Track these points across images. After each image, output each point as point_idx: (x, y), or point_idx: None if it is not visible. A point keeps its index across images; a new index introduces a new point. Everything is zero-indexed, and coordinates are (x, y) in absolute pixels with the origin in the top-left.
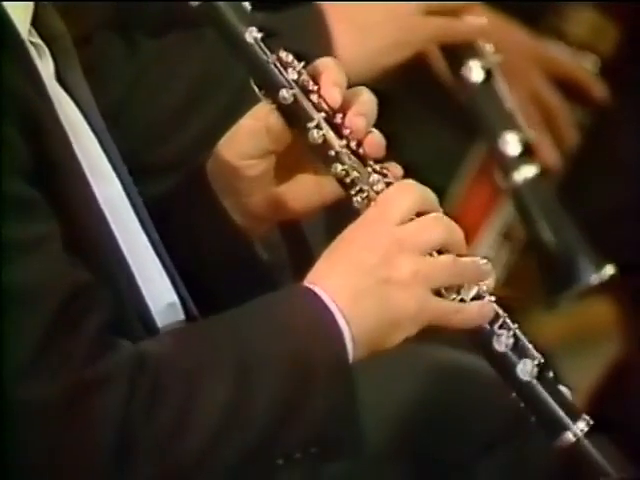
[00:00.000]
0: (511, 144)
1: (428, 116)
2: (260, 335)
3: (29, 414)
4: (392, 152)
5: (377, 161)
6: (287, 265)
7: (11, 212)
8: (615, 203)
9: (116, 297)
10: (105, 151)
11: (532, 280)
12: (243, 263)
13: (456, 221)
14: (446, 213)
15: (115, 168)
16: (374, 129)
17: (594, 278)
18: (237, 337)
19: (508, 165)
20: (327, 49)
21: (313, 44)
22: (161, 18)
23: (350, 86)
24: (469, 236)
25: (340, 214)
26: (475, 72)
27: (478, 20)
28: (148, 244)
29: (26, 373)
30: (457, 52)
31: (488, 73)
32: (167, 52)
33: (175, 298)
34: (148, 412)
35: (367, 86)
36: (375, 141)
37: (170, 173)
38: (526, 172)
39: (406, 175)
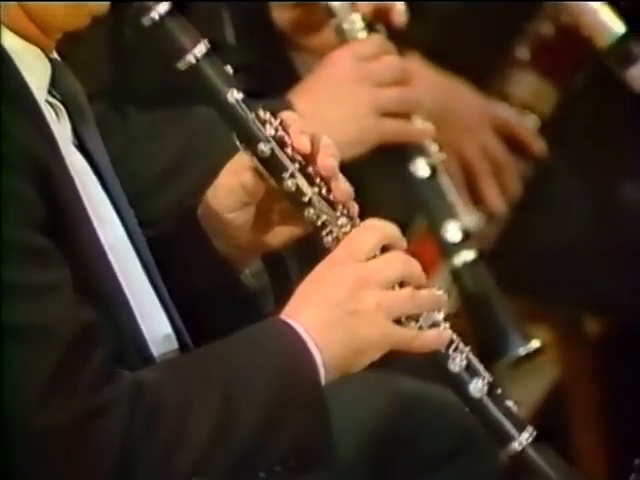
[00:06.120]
0: (452, 232)
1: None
2: (244, 364)
3: (39, 441)
4: (362, 192)
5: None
6: (270, 291)
7: (28, 260)
8: (552, 241)
9: (116, 331)
10: (111, 198)
11: None
12: (231, 292)
13: (417, 254)
14: (409, 244)
15: (120, 214)
16: (340, 176)
17: (522, 350)
18: (223, 365)
19: (450, 250)
20: None
21: None
22: (152, 90)
23: None
24: (428, 270)
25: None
26: (422, 168)
27: (426, 124)
28: (147, 282)
29: (38, 403)
30: (406, 150)
31: (433, 169)
32: (154, 127)
33: (170, 330)
34: (146, 432)
35: None
36: (343, 188)
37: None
38: (465, 256)
39: (375, 210)
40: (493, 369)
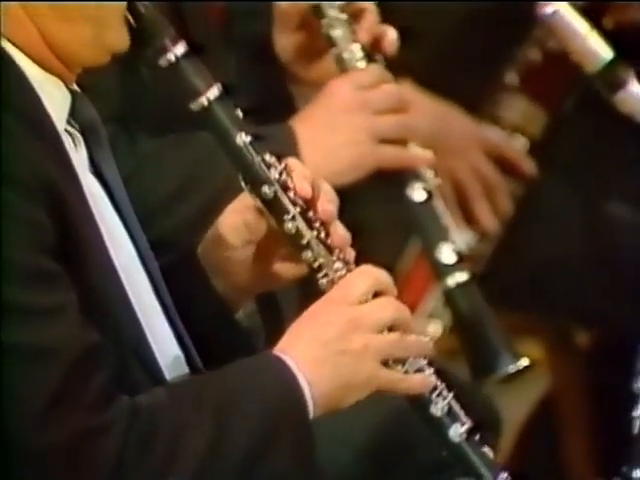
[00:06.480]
0: (446, 254)
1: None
2: (236, 392)
3: (39, 458)
4: (360, 215)
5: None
6: (262, 329)
7: (34, 283)
8: (543, 257)
9: (127, 351)
10: (125, 223)
11: None
12: (226, 330)
13: (408, 281)
14: (398, 284)
15: (133, 237)
16: (338, 222)
17: (512, 368)
18: (217, 392)
19: (443, 271)
20: None
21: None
22: (160, 116)
23: None
24: (421, 291)
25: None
26: (417, 193)
27: (424, 151)
28: (157, 304)
29: (39, 421)
30: (402, 175)
31: (429, 194)
32: (160, 153)
33: (180, 352)
34: (142, 451)
35: None
36: (340, 234)
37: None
38: (458, 278)
39: (371, 233)
40: (484, 383)
